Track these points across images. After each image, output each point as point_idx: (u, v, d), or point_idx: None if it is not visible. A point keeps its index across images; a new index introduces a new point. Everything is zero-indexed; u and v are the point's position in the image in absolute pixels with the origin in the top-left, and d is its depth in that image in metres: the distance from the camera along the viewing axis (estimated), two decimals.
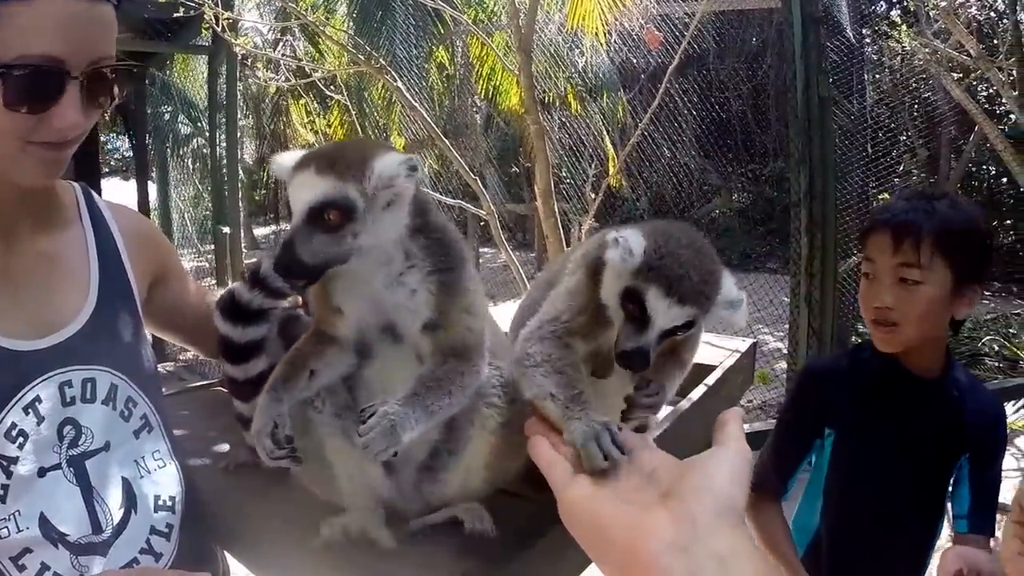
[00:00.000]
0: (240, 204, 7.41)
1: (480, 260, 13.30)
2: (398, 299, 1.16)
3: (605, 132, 9.17)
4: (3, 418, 1.12)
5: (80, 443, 1.20)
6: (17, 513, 1.11)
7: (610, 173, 7.35)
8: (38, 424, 1.16)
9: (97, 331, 1.28)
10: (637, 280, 1.12)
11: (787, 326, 5.61)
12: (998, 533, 1.85)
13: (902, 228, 1.70)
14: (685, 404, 1.76)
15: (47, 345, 1.21)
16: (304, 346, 1.23)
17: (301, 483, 1.31)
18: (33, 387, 1.16)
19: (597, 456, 0.88)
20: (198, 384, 2.28)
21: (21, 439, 1.13)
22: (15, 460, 1.12)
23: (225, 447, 1.65)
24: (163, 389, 1.55)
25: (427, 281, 1.14)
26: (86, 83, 1.09)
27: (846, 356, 2.07)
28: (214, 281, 7.73)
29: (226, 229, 6.71)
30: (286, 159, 1.15)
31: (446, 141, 4.59)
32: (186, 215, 11.07)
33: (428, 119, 4.68)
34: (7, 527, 1.10)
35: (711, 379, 1.81)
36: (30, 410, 1.15)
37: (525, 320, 1.56)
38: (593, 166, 9.14)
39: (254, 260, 1.45)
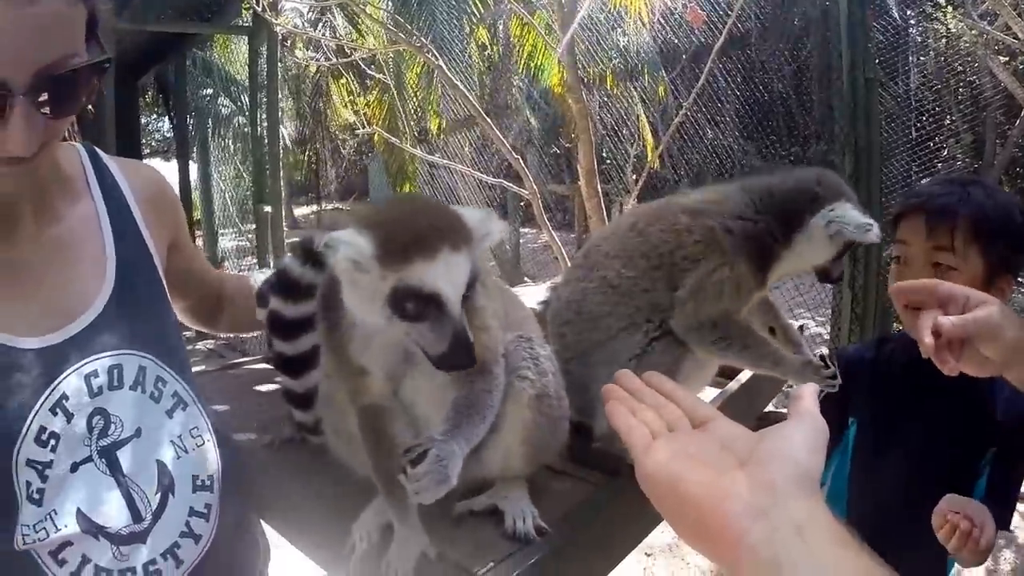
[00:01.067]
0: (281, 183, 7.44)
1: (520, 240, 13.29)
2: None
3: (643, 113, 9.06)
4: (31, 424, 1.06)
5: (110, 433, 1.14)
6: (53, 512, 1.06)
7: (650, 154, 7.24)
8: (68, 422, 1.10)
9: (118, 313, 1.20)
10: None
11: (829, 311, 5.54)
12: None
13: (937, 211, 1.66)
14: (734, 385, 1.74)
15: (66, 337, 1.13)
16: (370, 433, 1.18)
17: (346, 462, 1.30)
18: (58, 385, 1.09)
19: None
20: (239, 361, 2.30)
21: (53, 441, 1.07)
22: (50, 464, 1.06)
23: (269, 423, 1.66)
24: (205, 367, 1.54)
25: None
26: (36, 95, 0.97)
27: (873, 346, 2.03)
28: (255, 260, 7.82)
29: (268, 208, 6.75)
30: (355, 239, 1.01)
31: (488, 120, 4.55)
32: (227, 195, 11.18)
33: (470, 97, 4.65)
34: (44, 528, 1.05)
35: None
36: (58, 409, 1.09)
37: (562, 309, 1.57)
38: (635, 147, 9.04)
39: (302, 236, 1.42)
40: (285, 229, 7.11)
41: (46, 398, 1.07)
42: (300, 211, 22.33)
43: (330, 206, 21.66)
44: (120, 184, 1.32)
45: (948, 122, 9.44)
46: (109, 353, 1.16)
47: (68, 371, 1.11)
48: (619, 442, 1.45)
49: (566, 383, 1.56)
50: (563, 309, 1.60)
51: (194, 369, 1.40)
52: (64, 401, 1.09)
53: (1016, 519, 4.23)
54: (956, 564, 1.89)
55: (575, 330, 1.55)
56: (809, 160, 11.41)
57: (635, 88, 9.44)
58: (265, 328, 1.48)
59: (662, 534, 4.61)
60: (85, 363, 1.13)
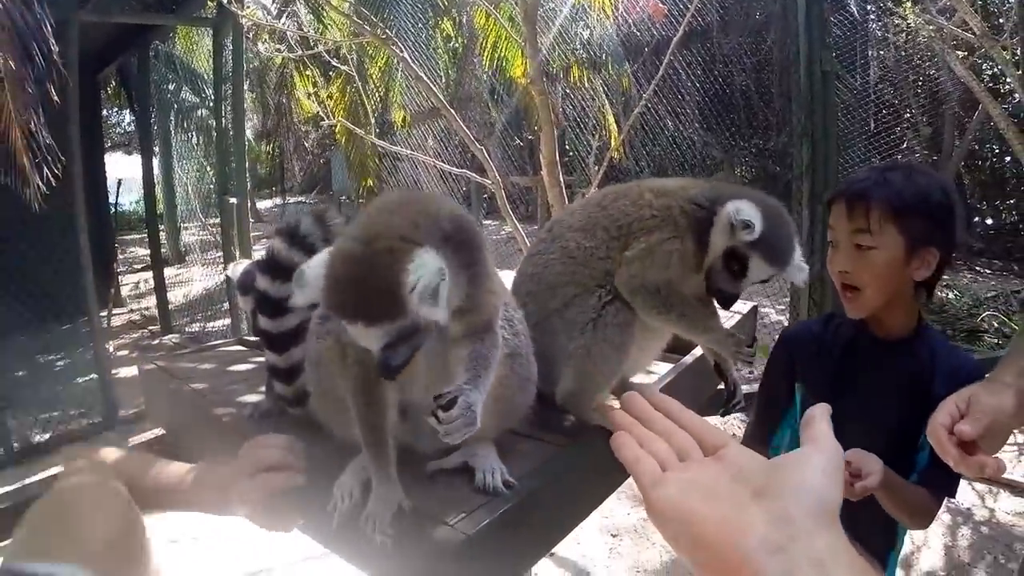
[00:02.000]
0: (247, 176, 7.42)
1: (484, 232, 13.30)
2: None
3: (608, 104, 9.17)
4: None
5: None
6: None
7: (613, 143, 7.35)
8: None
9: None
10: (747, 248, 1.52)
11: (788, 298, 5.69)
12: (961, 498, 1.85)
13: (855, 196, 1.80)
14: (689, 359, 1.85)
15: None
16: (361, 392, 1.26)
17: (327, 424, 1.39)
18: None
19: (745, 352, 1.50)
20: (213, 344, 2.37)
21: None
22: None
23: (248, 398, 1.73)
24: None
25: (459, 279, 1.17)
26: None
27: (819, 321, 2.14)
28: (220, 253, 7.79)
29: (233, 200, 6.74)
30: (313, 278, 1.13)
31: (452, 111, 4.62)
32: (190, 188, 11.07)
33: (434, 89, 4.70)
34: None
35: None
36: None
37: (525, 281, 1.67)
38: (597, 138, 9.15)
39: (289, 221, 1.50)
40: (251, 222, 7.11)
41: None
42: (263, 204, 22.15)
43: (293, 200, 21.54)
44: None
45: (908, 115, 9.68)
46: None
47: None
48: (580, 409, 1.56)
49: None
50: (526, 281, 1.69)
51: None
52: None
53: (974, 497, 4.43)
54: (906, 532, 1.99)
55: (536, 300, 1.64)
56: (770, 152, 11.61)
57: (598, 80, 9.54)
58: (251, 309, 1.57)
59: (628, 515, 4.73)
60: None
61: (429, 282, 1.04)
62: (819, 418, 0.83)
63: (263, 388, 1.70)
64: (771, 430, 2.07)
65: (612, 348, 1.56)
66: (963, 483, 1.83)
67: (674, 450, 0.83)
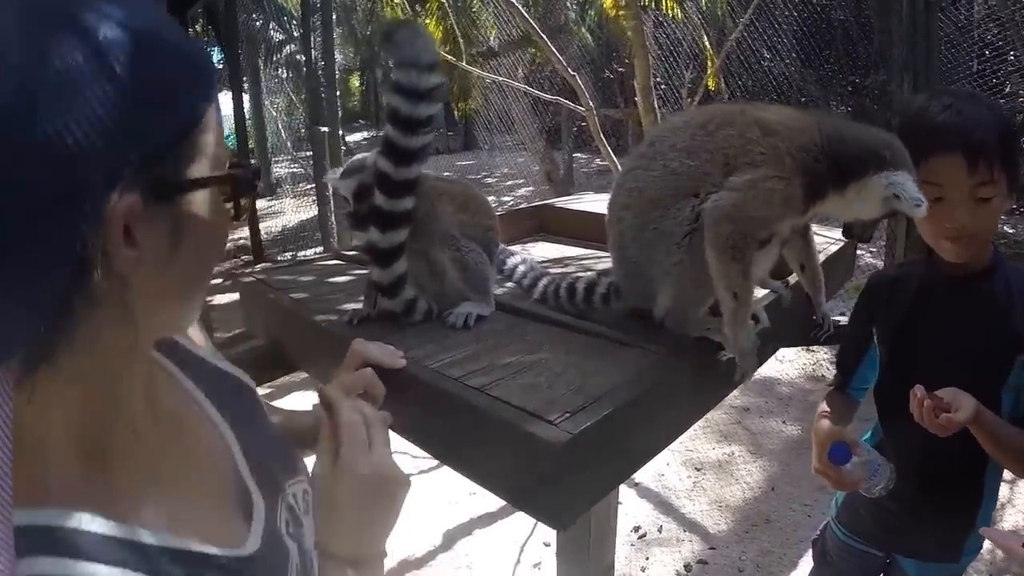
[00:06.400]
0: (338, 108, 7.48)
1: (573, 165, 13.21)
2: None
3: (704, 32, 8.84)
4: None
5: (309, 570, 0.93)
6: None
7: (708, 74, 7.11)
8: None
9: (256, 451, 0.95)
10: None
11: (884, 241, 5.48)
12: None
13: (975, 150, 1.59)
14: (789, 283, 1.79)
15: (263, 516, 0.87)
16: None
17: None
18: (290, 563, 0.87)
19: (753, 366, 1.49)
20: (309, 258, 2.43)
21: None
22: None
23: (346, 306, 1.76)
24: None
25: None
26: None
27: (899, 266, 2.06)
28: (311, 185, 7.92)
29: (325, 128, 6.81)
30: None
31: (545, 38, 4.52)
32: (279, 123, 11.27)
33: (527, 16, 4.61)
34: None
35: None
36: None
37: (622, 196, 1.63)
38: (690, 69, 8.87)
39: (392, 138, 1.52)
40: (343, 150, 7.18)
41: None
42: (353, 137, 22.44)
43: (379, 133, 21.78)
44: None
45: (1012, 55, 9.04)
46: (283, 503, 0.93)
47: (288, 545, 0.89)
48: (682, 324, 1.53)
49: (623, 271, 1.63)
50: (623, 194, 1.64)
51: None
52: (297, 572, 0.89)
53: None
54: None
55: (633, 213, 1.60)
56: (867, 89, 11.08)
57: (692, 8, 9.20)
58: (352, 192, 1.66)
59: (712, 450, 4.71)
60: (285, 528, 0.91)
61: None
62: None
63: (362, 297, 1.72)
64: (846, 372, 2.00)
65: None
66: None
67: None
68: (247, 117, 11.29)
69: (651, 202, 1.57)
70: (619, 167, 4.50)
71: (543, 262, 2.08)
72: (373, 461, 0.98)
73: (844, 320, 2.06)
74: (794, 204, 1.52)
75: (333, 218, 6.70)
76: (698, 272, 1.49)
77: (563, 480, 1.13)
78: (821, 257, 1.95)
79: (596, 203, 2.75)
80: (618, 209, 1.63)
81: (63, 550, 0.64)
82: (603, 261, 2.21)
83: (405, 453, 4.56)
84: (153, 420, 0.82)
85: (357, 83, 21.42)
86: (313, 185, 7.41)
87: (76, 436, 0.71)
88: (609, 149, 4.40)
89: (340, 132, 7.21)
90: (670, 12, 8.39)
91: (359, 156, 1.73)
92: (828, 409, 1.92)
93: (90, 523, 0.67)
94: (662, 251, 1.54)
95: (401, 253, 1.59)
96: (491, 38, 10.82)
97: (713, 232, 1.46)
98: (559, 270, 2.07)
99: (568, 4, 11.16)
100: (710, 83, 6.12)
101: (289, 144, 10.57)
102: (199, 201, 0.71)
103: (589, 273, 1.87)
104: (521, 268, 1.97)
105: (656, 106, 4.31)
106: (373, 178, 1.54)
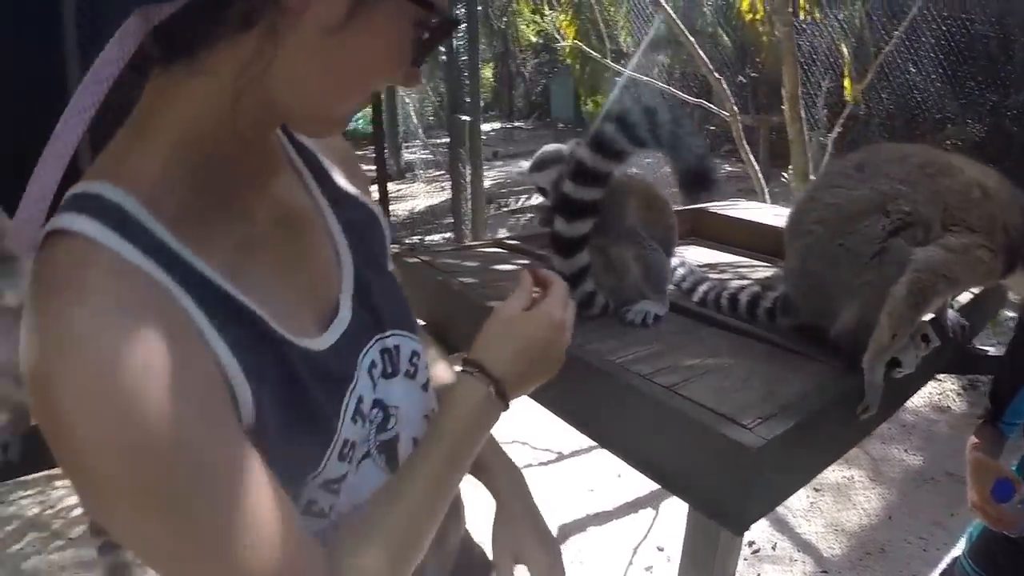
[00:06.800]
0: (479, 96, 7.56)
1: None
2: None
3: (844, 43, 8.56)
4: (337, 438, 0.85)
5: (389, 427, 0.96)
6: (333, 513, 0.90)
7: (846, 87, 6.90)
8: (363, 425, 0.91)
9: (363, 289, 0.96)
10: None
11: None
12: None
13: None
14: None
15: (343, 330, 0.90)
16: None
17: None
18: (354, 389, 0.89)
19: (876, 402, 1.39)
20: (471, 244, 2.50)
21: (351, 451, 0.89)
22: (344, 477, 0.88)
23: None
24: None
25: None
26: None
27: None
28: (442, 172, 8.05)
29: (466, 117, 6.94)
30: None
31: (692, 39, 4.49)
32: (412, 109, 11.52)
33: (672, 14, 4.58)
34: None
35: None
36: (357, 417, 0.89)
37: (818, 208, 1.60)
38: (827, 79, 8.59)
39: (599, 130, 1.51)
40: (483, 138, 7.27)
41: (346, 405, 0.88)
42: (485, 127, 22.85)
43: (509, 125, 22.03)
44: (302, 137, 1.02)
45: None
46: (375, 339, 0.96)
47: (357, 369, 0.91)
48: (856, 350, 1.51)
49: (804, 285, 1.61)
50: (820, 208, 1.61)
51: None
52: (360, 405, 0.90)
53: None
54: None
55: (828, 226, 1.56)
56: (1008, 109, 10.48)
57: (834, 17, 8.93)
58: (549, 210, 1.64)
59: (832, 471, 4.59)
60: (364, 355, 0.93)
61: None
62: None
63: None
64: (999, 404, 1.94)
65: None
66: None
67: None
68: (380, 101, 11.61)
69: (851, 219, 1.55)
70: (759, 174, 4.44)
71: (699, 267, 2.09)
72: (568, 316, 1.04)
73: (992, 351, 2.02)
74: (992, 276, 1.52)
75: (468, 205, 6.80)
76: (884, 296, 1.47)
77: (750, 484, 1.14)
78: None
79: (751, 211, 2.73)
80: (811, 222, 1.61)
81: (103, 217, 0.66)
82: (758, 270, 2.19)
83: (525, 443, 4.68)
84: (268, 208, 0.86)
85: (489, 74, 21.70)
86: (443, 172, 7.55)
87: (181, 140, 0.73)
88: (751, 156, 4.34)
89: (479, 120, 7.27)
90: (810, 17, 8.19)
91: (551, 147, 1.76)
92: (978, 441, 1.87)
93: (147, 218, 0.68)
94: (847, 269, 1.52)
95: (584, 244, 1.60)
96: (622, 38, 10.79)
97: (915, 275, 1.44)
98: (716, 276, 2.07)
99: (704, 7, 10.99)
100: (847, 94, 5.92)
101: (420, 131, 10.81)
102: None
103: (747, 282, 1.87)
104: (680, 271, 1.98)
105: (802, 114, 4.22)
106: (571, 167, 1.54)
